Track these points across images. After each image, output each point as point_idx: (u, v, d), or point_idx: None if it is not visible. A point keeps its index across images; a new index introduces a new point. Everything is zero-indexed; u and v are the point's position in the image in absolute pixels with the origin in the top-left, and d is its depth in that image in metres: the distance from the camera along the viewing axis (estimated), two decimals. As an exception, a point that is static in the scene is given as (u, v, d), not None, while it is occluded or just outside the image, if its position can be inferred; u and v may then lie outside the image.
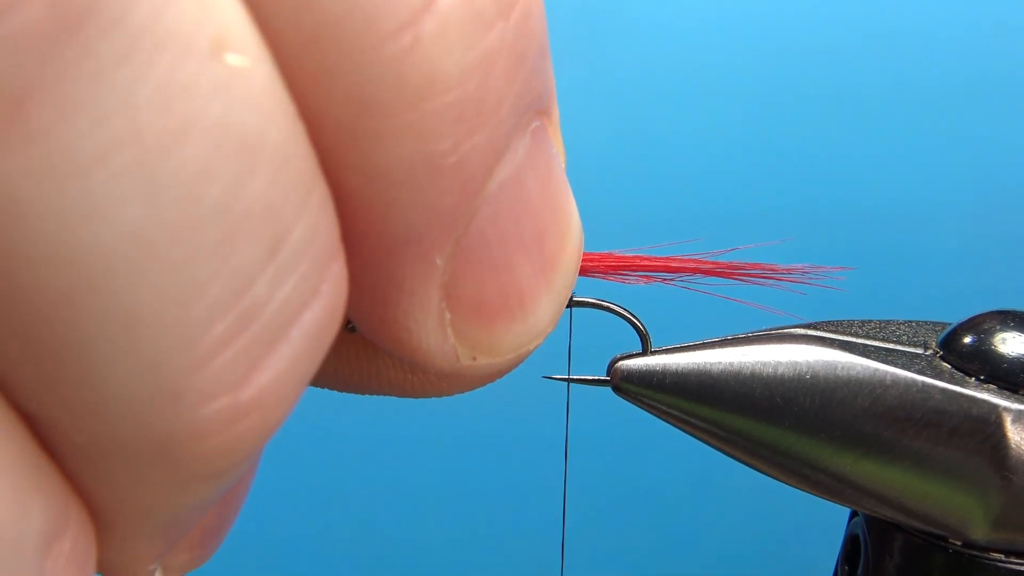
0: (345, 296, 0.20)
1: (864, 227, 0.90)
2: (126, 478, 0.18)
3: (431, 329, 0.21)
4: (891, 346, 0.36)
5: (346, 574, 0.92)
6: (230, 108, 0.16)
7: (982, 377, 0.34)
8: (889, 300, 0.90)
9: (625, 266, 0.30)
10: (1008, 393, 0.34)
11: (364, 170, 0.18)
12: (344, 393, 0.29)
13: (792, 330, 0.36)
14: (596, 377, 0.36)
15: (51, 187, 0.15)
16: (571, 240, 0.24)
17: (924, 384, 0.34)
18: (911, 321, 0.38)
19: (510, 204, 0.21)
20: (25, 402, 0.17)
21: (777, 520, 0.89)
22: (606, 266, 0.30)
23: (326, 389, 0.29)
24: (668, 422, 0.35)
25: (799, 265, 0.31)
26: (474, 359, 0.23)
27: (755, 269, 0.31)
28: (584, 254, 0.26)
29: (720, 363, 0.34)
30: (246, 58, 0.16)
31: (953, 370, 0.34)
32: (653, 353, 0.35)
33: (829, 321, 0.37)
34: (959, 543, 0.35)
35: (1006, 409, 0.33)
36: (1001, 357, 0.34)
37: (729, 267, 0.31)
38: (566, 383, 0.36)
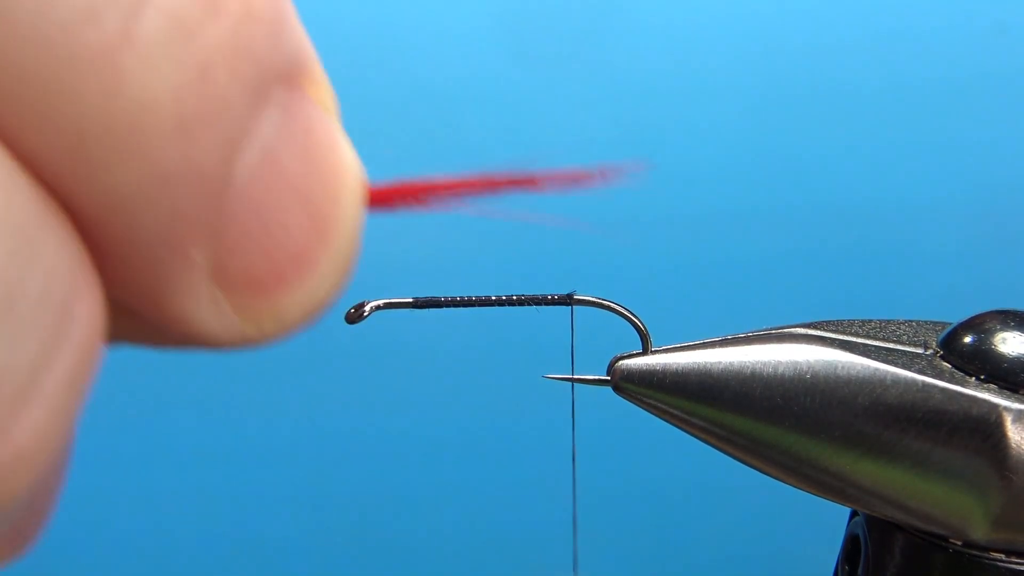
0: (101, 326, 0.19)
1: (864, 227, 0.90)
2: None
3: (208, 313, 0.21)
4: (891, 346, 0.36)
5: (345, 574, 0.92)
6: None
7: (982, 377, 0.34)
8: (889, 300, 0.90)
9: (418, 191, 0.29)
10: (1008, 393, 0.34)
11: (93, 197, 0.18)
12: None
13: (792, 330, 0.36)
14: (596, 376, 0.36)
15: None
16: (345, 192, 0.23)
17: (924, 384, 0.34)
18: (911, 321, 0.38)
19: (264, 184, 0.21)
20: None
21: (777, 520, 0.89)
22: (398, 195, 0.29)
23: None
24: (668, 422, 0.35)
25: (596, 166, 0.30)
26: (261, 329, 0.22)
27: (552, 176, 0.30)
28: (374, 189, 0.25)
29: (720, 363, 0.34)
30: None
31: (953, 370, 0.34)
32: (653, 352, 0.35)
33: (829, 321, 0.37)
34: (959, 543, 0.35)
35: (1006, 409, 0.33)
36: (1001, 357, 0.34)
37: (524, 178, 0.30)
38: (570, 383, 0.36)
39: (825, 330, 0.36)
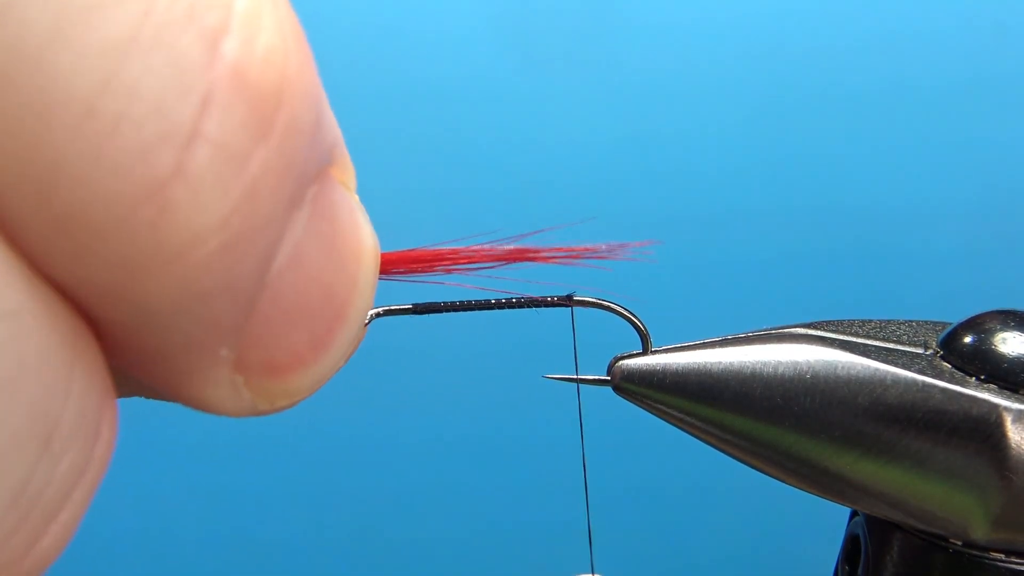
0: (114, 442, 0.20)
1: (864, 227, 0.90)
2: None
3: (227, 395, 0.22)
4: (891, 346, 0.36)
5: (349, 574, 0.92)
6: None
7: (982, 377, 0.34)
8: (889, 300, 0.90)
9: (428, 261, 0.29)
10: (1008, 393, 0.34)
11: (130, 315, 0.18)
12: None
13: (792, 330, 0.36)
14: (597, 377, 0.36)
15: None
16: (363, 272, 0.23)
17: (924, 384, 0.34)
18: (911, 321, 0.38)
19: (290, 283, 0.21)
20: None
21: (777, 520, 0.89)
22: (407, 265, 0.29)
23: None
24: (668, 422, 0.35)
25: (604, 244, 0.31)
26: (272, 404, 0.23)
27: (562, 252, 0.30)
28: (384, 255, 0.25)
29: (720, 363, 0.34)
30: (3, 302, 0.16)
31: (953, 370, 0.34)
32: (653, 353, 0.35)
33: (829, 321, 0.37)
34: (959, 543, 0.35)
35: (1006, 409, 0.33)
36: (1001, 357, 0.34)
37: (532, 252, 0.30)
38: (574, 383, 0.36)
39: (825, 330, 0.36)
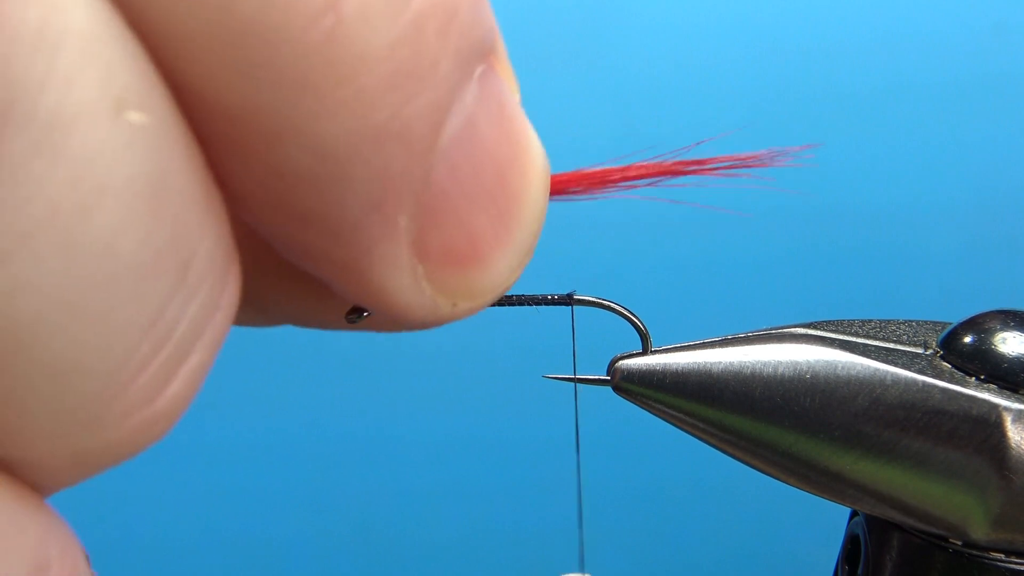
0: (239, 297, 0.20)
1: (864, 227, 0.90)
2: (38, 473, 0.19)
3: (408, 286, 0.22)
4: (891, 346, 0.36)
5: (346, 573, 0.92)
6: (136, 164, 0.17)
7: (982, 377, 0.34)
8: (889, 300, 0.90)
9: (597, 180, 0.30)
10: (1008, 393, 0.34)
11: (310, 149, 0.19)
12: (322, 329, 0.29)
13: (792, 329, 0.36)
14: (596, 376, 0.36)
15: None
16: (534, 170, 0.24)
17: (924, 384, 0.34)
18: (911, 321, 0.38)
19: (465, 153, 0.21)
20: None
21: (777, 520, 0.89)
22: (577, 184, 0.29)
23: (305, 328, 0.29)
24: (668, 422, 0.35)
25: (766, 150, 0.31)
26: (455, 305, 0.23)
27: (724, 161, 0.31)
28: (554, 176, 0.26)
29: (720, 363, 0.34)
30: (145, 112, 0.17)
31: (953, 370, 0.34)
32: (653, 352, 0.35)
33: (829, 321, 0.37)
34: (959, 543, 0.35)
35: (1006, 409, 0.33)
36: (1001, 357, 0.34)
37: (697, 164, 0.30)
38: (572, 382, 0.36)
39: (825, 330, 0.36)
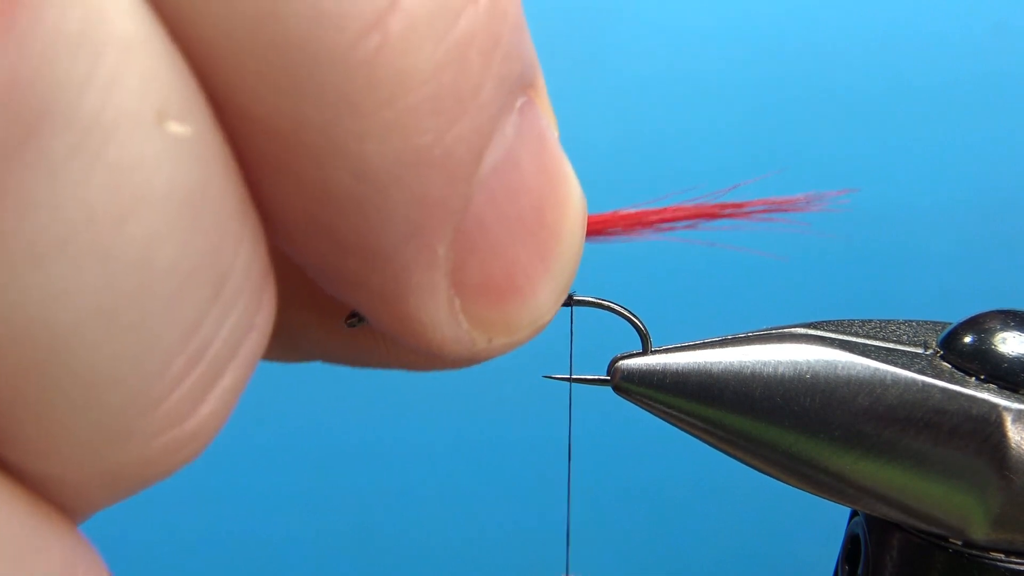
0: (273, 319, 0.20)
1: (864, 227, 0.90)
2: (67, 491, 0.19)
3: (444, 319, 0.22)
4: (891, 346, 0.36)
5: (342, 573, 0.92)
6: (175, 173, 0.17)
7: (982, 377, 0.34)
8: (889, 300, 0.90)
9: (633, 222, 0.30)
10: (1008, 393, 0.34)
11: (350, 171, 0.19)
12: (357, 367, 0.29)
13: (792, 329, 0.36)
14: (596, 376, 0.36)
15: (10, 281, 0.16)
16: (572, 206, 0.24)
17: (924, 384, 0.34)
18: (911, 321, 0.38)
19: (505, 184, 0.21)
20: None
21: (777, 520, 0.89)
22: (613, 225, 0.30)
23: (339, 365, 0.29)
24: (668, 422, 0.35)
25: (802, 195, 0.31)
26: (490, 341, 0.23)
27: (759, 205, 0.31)
28: (591, 216, 0.25)
29: (720, 363, 0.34)
30: (185, 123, 0.17)
31: (953, 370, 0.34)
32: (653, 352, 0.35)
33: (829, 321, 0.37)
34: (959, 543, 0.35)
35: (1006, 409, 0.33)
36: (1001, 357, 0.34)
37: (733, 207, 0.30)
38: (568, 382, 0.36)
39: (825, 330, 0.36)
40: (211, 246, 0.18)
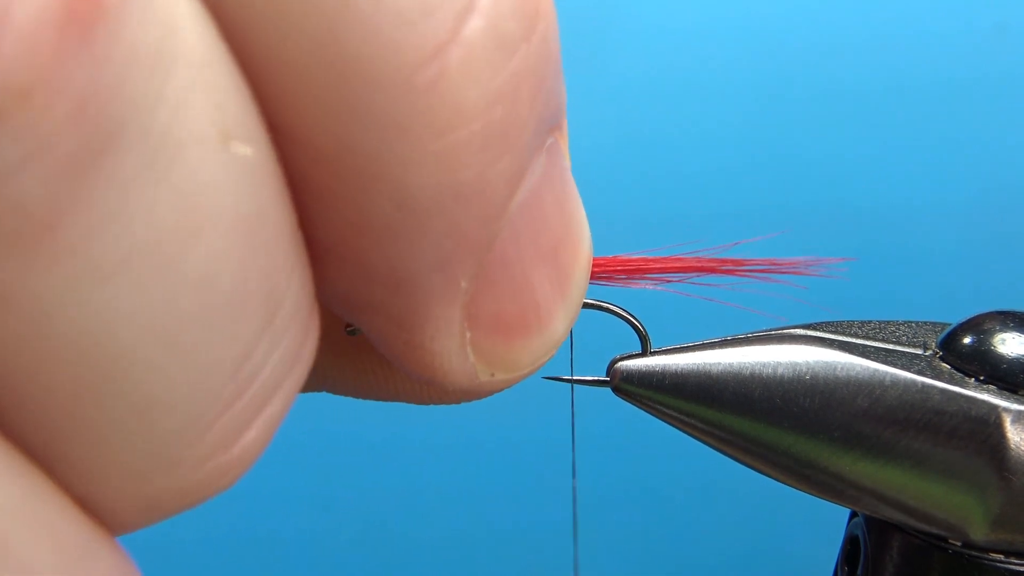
0: (315, 354, 0.20)
1: (864, 227, 0.90)
2: (105, 514, 0.19)
3: (453, 350, 0.22)
4: (891, 346, 0.36)
5: (343, 573, 0.92)
6: (237, 194, 0.17)
7: (982, 377, 0.34)
8: (889, 300, 0.90)
9: (633, 269, 0.30)
10: (1008, 393, 0.34)
11: (393, 199, 0.19)
12: (357, 399, 0.30)
13: (792, 330, 0.36)
14: (596, 378, 0.36)
15: (74, 298, 0.16)
16: (583, 249, 0.24)
17: (924, 385, 0.34)
18: (911, 321, 0.38)
19: (529, 222, 0.21)
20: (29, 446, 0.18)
21: (777, 520, 0.89)
22: (615, 270, 0.30)
23: (341, 396, 0.29)
24: (668, 423, 0.35)
25: (802, 258, 0.31)
26: (492, 375, 0.23)
27: (759, 264, 0.31)
28: (593, 259, 0.26)
29: (720, 364, 0.34)
30: (249, 145, 0.17)
31: (953, 370, 0.34)
32: (653, 354, 0.35)
33: (829, 321, 0.37)
34: (959, 543, 0.35)
35: (1006, 409, 0.33)
36: (1001, 357, 0.34)
37: (733, 263, 0.31)
38: (568, 383, 0.36)
39: (824, 331, 0.36)
40: (267, 272, 0.18)
